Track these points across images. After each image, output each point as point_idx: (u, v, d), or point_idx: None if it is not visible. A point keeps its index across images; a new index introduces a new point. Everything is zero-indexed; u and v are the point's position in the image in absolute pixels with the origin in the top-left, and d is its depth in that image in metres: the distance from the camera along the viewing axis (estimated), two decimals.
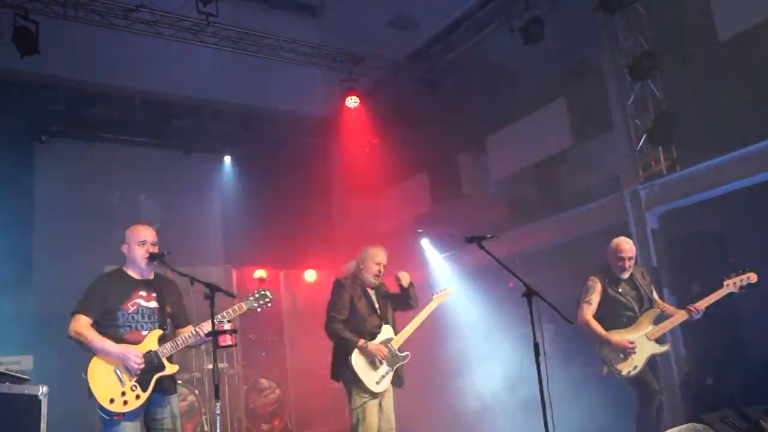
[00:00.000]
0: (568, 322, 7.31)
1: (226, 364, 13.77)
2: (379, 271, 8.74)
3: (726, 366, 10.04)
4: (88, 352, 6.77)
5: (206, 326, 6.98)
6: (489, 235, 7.25)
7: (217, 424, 6.65)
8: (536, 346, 6.82)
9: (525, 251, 12.09)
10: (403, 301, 8.90)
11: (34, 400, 6.59)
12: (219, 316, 6.92)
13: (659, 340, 8.68)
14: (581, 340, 9.02)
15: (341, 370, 8.47)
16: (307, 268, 16.76)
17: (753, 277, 8.51)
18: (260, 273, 15.86)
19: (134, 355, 6.73)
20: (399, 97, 15.91)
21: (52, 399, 6.65)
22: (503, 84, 13.80)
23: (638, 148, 11.66)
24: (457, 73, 14.98)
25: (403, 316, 9.02)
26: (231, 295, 7.14)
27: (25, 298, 13.36)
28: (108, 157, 15.58)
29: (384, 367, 8.45)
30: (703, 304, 8.46)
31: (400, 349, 8.62)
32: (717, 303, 8.55)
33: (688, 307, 8.49)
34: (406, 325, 8.83)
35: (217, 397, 6.66)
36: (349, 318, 8.54)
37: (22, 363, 11.67)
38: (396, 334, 8.71)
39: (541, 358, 6.78)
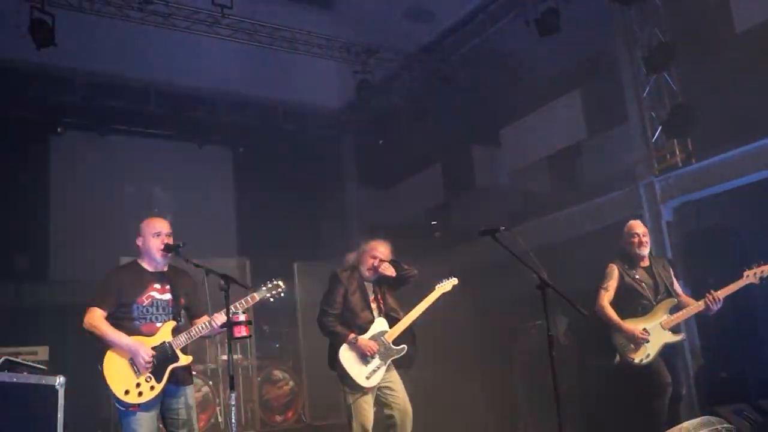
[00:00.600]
0: (582, 314, 7.32)
1: (240, 356, 13.77)
2: (374, 266, 8.57)
3: (741, 359, 10.03)
4: (103, 343, 6.82)
5: (219, 317, 7.02)
6: (502, 228, 7.24)
7: (232, 415, 6.67)
8: (550, 338, 6.82)
9: (539, 243, 12.08)
10: (399, 280, 8.70)
11: (51, 391, 6.63)
12: (232, 307, 6.91)
13: (674, 330, 8.68)
14: (595, 331, 9.04)
15: (334, 363, 8.37)
16: (320, 260, 16.74)
17: None
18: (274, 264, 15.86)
19: (144, 352, 6.76)
20: (413, 89, 15.91)
21: (68, 389, 6.68)
22: (518, 76, 13.80)
23: (653, 140, 11.66)
24: (471, 64, 14.96)
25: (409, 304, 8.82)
26: (245, 286, 7.16)
27: (41, 288, 13.42)
28: (123, 148, 15.66)
29: (375, 362, 8.30)
30: (721, 294, 8.42)
31: (396, 342, 8.45)
32: (733, 295, 8.54)
33: (706, 295, 8.47)
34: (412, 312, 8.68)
35: (231, 388, 6.68)
36: (342, 312, 8.46)
37: (38, 353, 11.72)
38: (394, 324, 8.52)
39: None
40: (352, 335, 8.24)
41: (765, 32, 10.18)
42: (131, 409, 6.65)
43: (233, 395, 6.70)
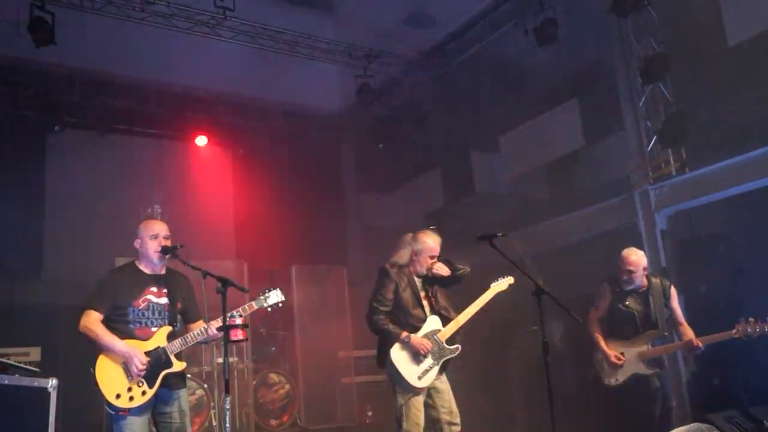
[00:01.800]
0: (576, 320, 7.38)
1: (236, 359, 13.72)
2: (433, 264, 8.23)
3: (733, 366, 10.07)
4: (97, 346, 6.82)
5: (216, 324, 6.98)
6: (500, 234, 7.28)
7: (227, 418, 6.62)
8: (545, 344, 6.88)
9: (536, 250, 12.12)
10: (452, 279, 8.35)
11: (44, 393, 6.65)
12: (229, 313, 6.93)
13: (650, 362, 8.69)
14: (589, 339, 9.14)
15: (385, 361, 8.08)
16: (319, 263, 16.76)
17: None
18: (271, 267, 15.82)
19: (138, 359, 6.74)
20: (413, 95, 15.97)
21: (59, 391, 6.70)
22: (517, 83, 13.82)
23: (648, 149, 11.73)
24: (471, 71, 15.02)
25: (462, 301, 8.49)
26: (243, 289, 7.05)
27: (34, 289, 13.42)
28: (121, 148, 15.66)
29: (428, 361, 7.97)
30: (703, 342, 8.43)
31: (450, 341, 8.12)
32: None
33: (689, 339, 8.47)
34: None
35: (227, 391, 6.65)
36: (393, 309, 8.14)
37: (30, 354, 11.70)
38: (447, 323, 8.19)
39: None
40: (405, 334, 7.93)
41: (756, 46, 10.29)
42: (122, 413, 6.64)
43: (228, 399, 6.67)
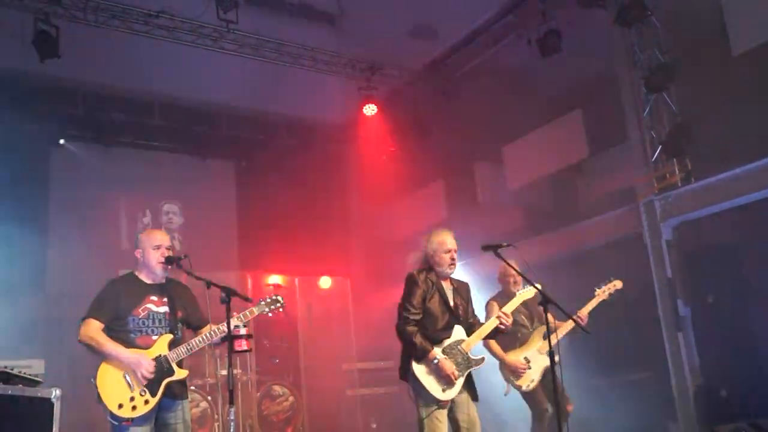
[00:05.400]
0: (583, 330, 7.36)
1: (240, 371, 13.67)
2: (452, 258, 7.90)
3: (740, 378, 10.05)
4: (98, 356, 6.78)
5: (223, 327, 6.92)
6: (505, 244, 7.26)
7: (231, 430, 6.55)
8: (551, 354, 6.87)
9: (540, 260, 12.06)
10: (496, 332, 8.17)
11: (47, 403, 6.60)
12: (232, 321, 6.85)
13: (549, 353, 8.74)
14: (595, 349, 9.13)
15: (407, 373, 7.79)
16: (323, 275, 16.71)
17: (618, 284, 8.99)
18: (275, 279, 15.72)
19: (146, 362, 6.73)
20: (416, 106, 15.95)
21: (63, 404, 6.66)
22: (520, 94, 13.81)
23: (653, 159, 11.73)
24: (474, 83, 15.02)
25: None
26: (247, 299, 7.03)
27: (37, 301, 13.37)
28: (125, 161, 15.67)
29: None
30: (584, 312, 8.87)
31: (474, 352, 7.90)
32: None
33: (573, 316, 8.45)
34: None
35: (231, 403, 6.58)
36: (422, 316, 7.80)
37: (33, 367, 11.64)
38: (470, 334, 7.92)
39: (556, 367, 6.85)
40: (434, 352, 7.61)
41: (760, 55, 10.32)
42: (125, 423, 6.59)
43: (233, 410, 6.61)
